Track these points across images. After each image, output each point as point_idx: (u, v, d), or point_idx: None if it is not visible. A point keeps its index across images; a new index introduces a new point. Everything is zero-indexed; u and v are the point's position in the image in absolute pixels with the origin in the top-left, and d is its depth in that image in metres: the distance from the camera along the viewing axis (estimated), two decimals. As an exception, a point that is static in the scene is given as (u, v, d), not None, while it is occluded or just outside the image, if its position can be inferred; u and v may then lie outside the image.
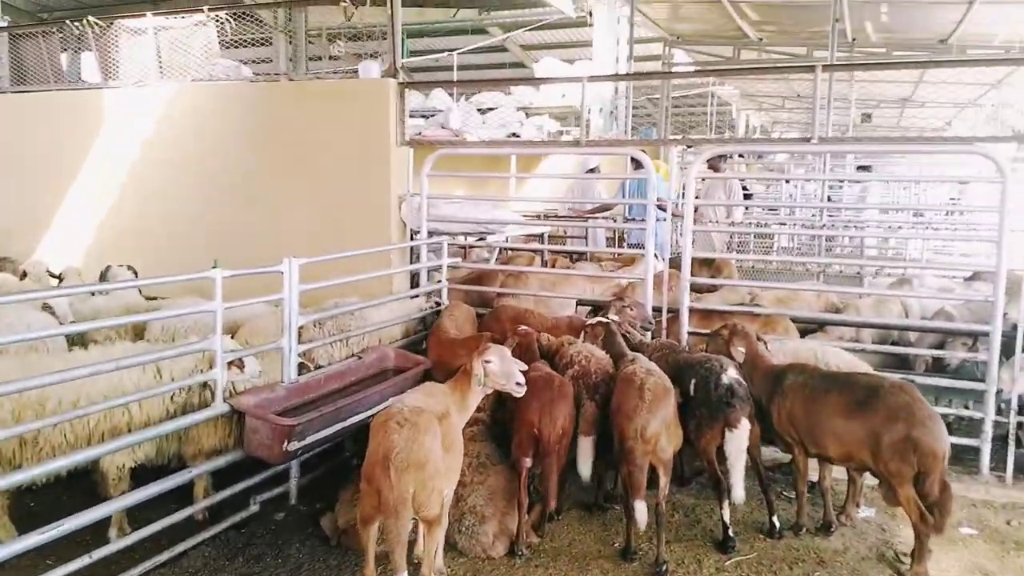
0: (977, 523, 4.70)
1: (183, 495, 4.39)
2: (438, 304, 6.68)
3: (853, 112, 16.63)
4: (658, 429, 4.07)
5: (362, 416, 4.81)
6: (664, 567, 4.04)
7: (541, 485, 4.41)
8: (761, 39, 14.30)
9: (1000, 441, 5.27)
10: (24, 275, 7.01)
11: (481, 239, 8.25)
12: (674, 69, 13.68)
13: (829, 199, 12.81)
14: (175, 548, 4.15)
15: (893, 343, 6.22)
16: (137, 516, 4.26)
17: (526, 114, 12.71)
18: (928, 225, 9.48)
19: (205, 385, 4.39)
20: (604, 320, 5.08)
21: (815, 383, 4.29)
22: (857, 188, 14.33)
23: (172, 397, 4.32)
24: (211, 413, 4.28)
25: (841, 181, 13.06)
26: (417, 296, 6.61)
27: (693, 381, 4.39)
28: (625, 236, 10.15)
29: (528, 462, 4.29)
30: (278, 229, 7.31)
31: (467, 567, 4.13)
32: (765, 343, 4.83)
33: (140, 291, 6.31)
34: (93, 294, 6.06)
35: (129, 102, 8.10)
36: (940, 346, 6.01)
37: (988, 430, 5.15)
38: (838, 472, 4.73)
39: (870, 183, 13.48)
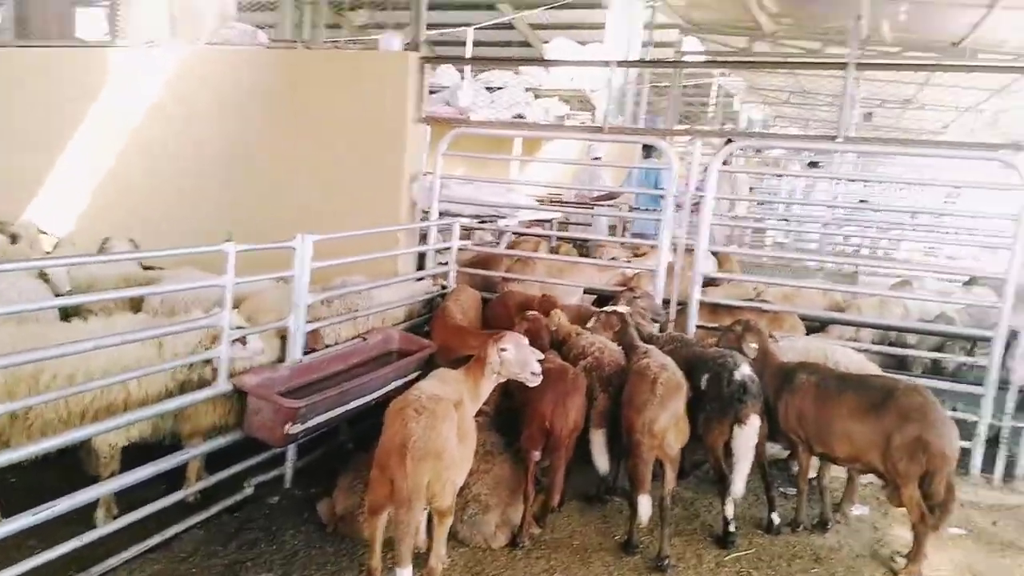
0: (965, 523, 4.75)
1: (174, 475, 4.25)
2: (444, 287, 6.63)
3: (857, 111, 16.58)
4: (667, 424, 4.05)
5: (366, 400, 4.76)
6: (666, 561, 4.03)
7: (547, 478, 4.37)
8: (776, 32, 14.18)
9: (989, 443, 5.37)
10: (14, 237, 6.72)
11: (483, 222, 8.18)
12: (689, 58, 13.55)
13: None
14: (166, 532, 4.03)
15: (890, 344, 6.24)
16: (124, 496, 4.09)
17: (534, 95, 12.58)
18: (934, 228, 9.45)
19: (206, 362, 4.30)
20: (620, 311, 5.03)
21: (829, 383, 4.28)
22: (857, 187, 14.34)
23: (173, 374, 4.22)
24: (214, 392, 4.19)
25: (852, 180, 13.02)
26: (423, 278, 6.54)
27: (706, 376, 4.36)
28: (629, 225, 10.09)
29: (537, 455, 4.24)
30: (283, 203, 7.18)
31: (468, 557, 4.09)
32: (776, 340, 4.81)
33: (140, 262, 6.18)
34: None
35: (137, 62, 7.88)
36: (938, 349, 6.04)
37: (982, 433, 5.24)
38: (836, 470, 4.74)
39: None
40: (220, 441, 4.31)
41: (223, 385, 4.23)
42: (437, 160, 6.79)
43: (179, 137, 7.70)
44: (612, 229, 10.46)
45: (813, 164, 12.68)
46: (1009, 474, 5.36)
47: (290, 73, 7.33)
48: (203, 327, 4.22)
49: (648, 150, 9.95)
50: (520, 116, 11.24)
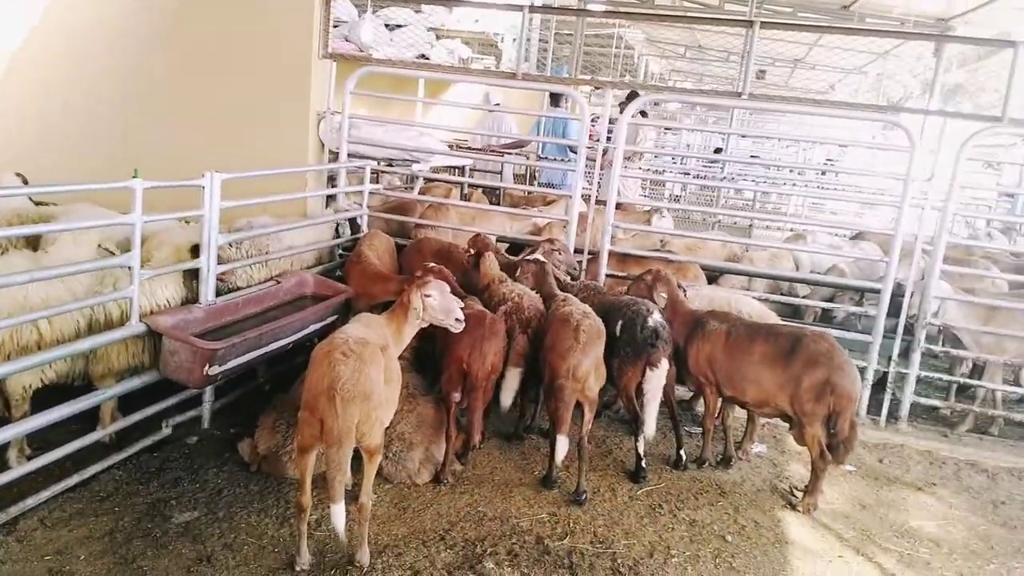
0: (855, 462, 5.19)
1: (85, 416, 4.08)
2: (354, 231, 6.53)
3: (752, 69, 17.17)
4: (589, 369, 4.23)
5: (283, 342, 4.72)
6: (584, 496, 4.26)
7: (467, 418, 4.50)
8: (676, -15, 14.38)
9: (875, 387, 5.84)
10: None
11: (389, 165, 8.06)
12: (594, 7, 13.59)
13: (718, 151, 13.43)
14: (84, 472, 3.96)
15: (782, 294, 6.67)
16: (35, 438, 4.03)
17: (436, 36, 12.30)
18: (823, 185, 10.11)
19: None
20: (541, 260, 5.15)
21: (739, 331, 4.55)
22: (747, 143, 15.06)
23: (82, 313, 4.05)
24: (127, 332, 4.06)
25: (766, 138, 13.63)
26: (336, 221, 6.41)
27: (620, 322, 4.55)
28: (537, 175, 10.19)
29: (457, 396, 4.36)
30: (184, 141, 6.79)
31: (394, 493, 4.19)
32: (684, 289, 5.06)
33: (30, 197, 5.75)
34: None
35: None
36: (829, 299, 6.52)
37: (869, 378, 5.70)
38: (738, 411, 5.09)
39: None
40: (135, 382, 4.18)
41: (136, 326, 4.09)
42: (345, 99, 6.60)
43: (69, 72, 7.18)
44: (519, 179, 10.54)
45: (719, 150, 13.31)
46: (893, 415, 5.82)
47: (187, 5, 6.89)
48: (114, 266, 4.05)
49: (555, 99, 10.04)
50: (423, 56, 10.99)
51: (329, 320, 5.25)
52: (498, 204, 8.62)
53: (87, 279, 4.19)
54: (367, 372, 3.35)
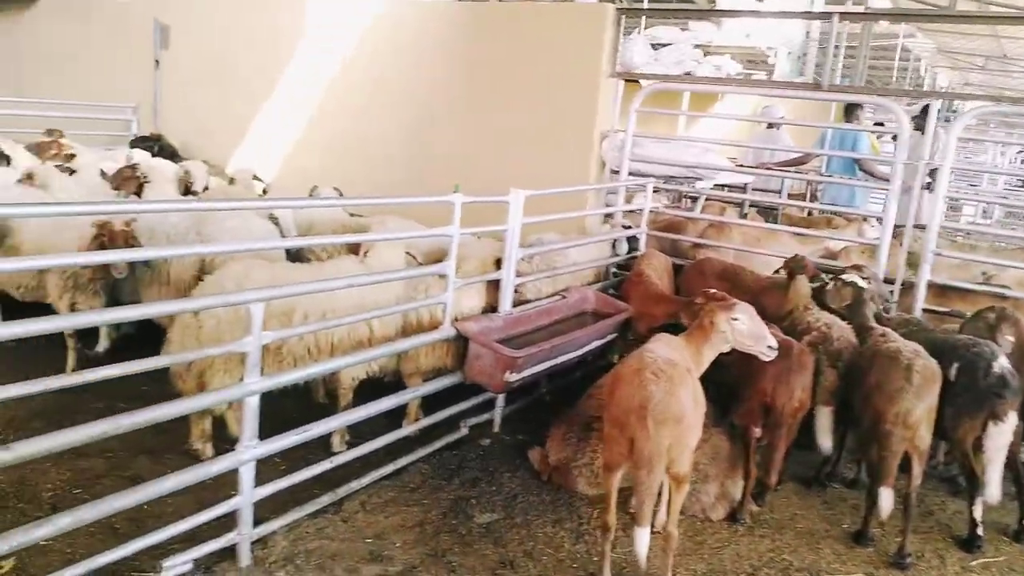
0: None
1: (392, 411, 4.30)
2: (632, 250, 6.43)
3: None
4: (922, 416, 3.72)
5: (569, 356, 4.77)
6: (908, 559, 3.74)
7: (765, 457, 4.16)
8: (983, -12, 12.75)
9: None
10: (231, 181, 7.19)
11: (665, 182, 7.87)
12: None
13: None
14: (397, 462, 4.24)
15: None
16: (349, 428, 4.43)
17: (704, 53, 12.01)
18: None
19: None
20: (858, 282, 4.65)
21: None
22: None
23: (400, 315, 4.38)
24: (441, 335, 4.33)
25: None
26: (616, 239, 6.37)
27: (956, 365, 3.95)
28: (818, 193, 9.43)
29: (758, 431, 4.06)
30: (473, 159, 7.22)
31: (688, 526, 3.98)
32: (1034, 332, 4.30)
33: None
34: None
35: (333, 13, 8.12)
36: None
37: None
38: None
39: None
40: (445, 382, 4.46)
41: (448, 329, 4.34)
42: (631, 117, 6.56)
43: (372, 89, 7.90)
44: (794, 196, 9.81)
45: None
46: None
47: (483, 26, 7.31)
48: (431, 273, 4.33)
49: (850, 112, 9.22)
50: (689, 74, 10.77)
51: (609, 338, 5.22)
52: (774, 223, 8.08)
53: (402, 284, 4.51)
54: (678, 394, 3.21)
